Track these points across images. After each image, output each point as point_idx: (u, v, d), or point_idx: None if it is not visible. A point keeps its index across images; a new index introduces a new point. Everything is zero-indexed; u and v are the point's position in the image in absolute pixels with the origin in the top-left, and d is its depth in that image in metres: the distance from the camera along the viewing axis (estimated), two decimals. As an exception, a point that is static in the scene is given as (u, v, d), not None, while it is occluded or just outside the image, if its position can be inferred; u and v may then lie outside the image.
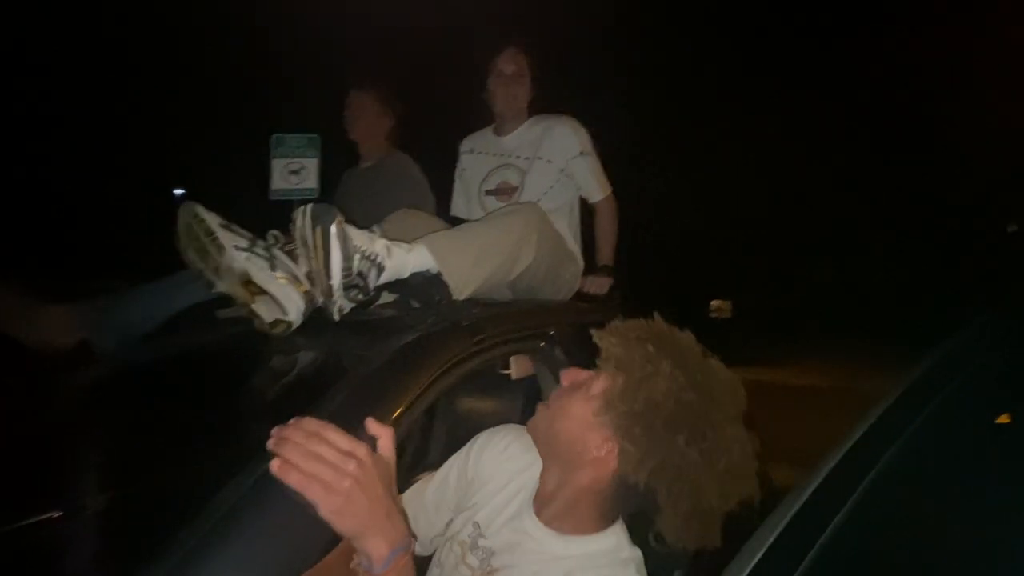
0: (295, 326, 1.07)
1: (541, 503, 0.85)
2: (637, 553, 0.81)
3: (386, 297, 1.20)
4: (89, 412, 1.14)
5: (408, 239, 1.17)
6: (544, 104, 2.02)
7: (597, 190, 2.01)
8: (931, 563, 0.64)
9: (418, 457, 1.60)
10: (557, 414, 0.84)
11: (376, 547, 0.62)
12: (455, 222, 1.63)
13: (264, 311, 1.07)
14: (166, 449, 0.93)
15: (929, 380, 0.77)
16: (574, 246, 1.96)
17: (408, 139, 2.43)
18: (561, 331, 1.27)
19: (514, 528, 0.85)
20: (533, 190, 1.96)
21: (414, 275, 1.15)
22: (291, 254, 1.12)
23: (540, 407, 0.88)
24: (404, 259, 1.12)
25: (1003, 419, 0.82)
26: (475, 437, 1.01)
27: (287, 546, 0.66)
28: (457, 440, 1.07)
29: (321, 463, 0.60)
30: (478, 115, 2.09)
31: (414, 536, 0.68)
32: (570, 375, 0.87)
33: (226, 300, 1.13)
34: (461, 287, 1.17)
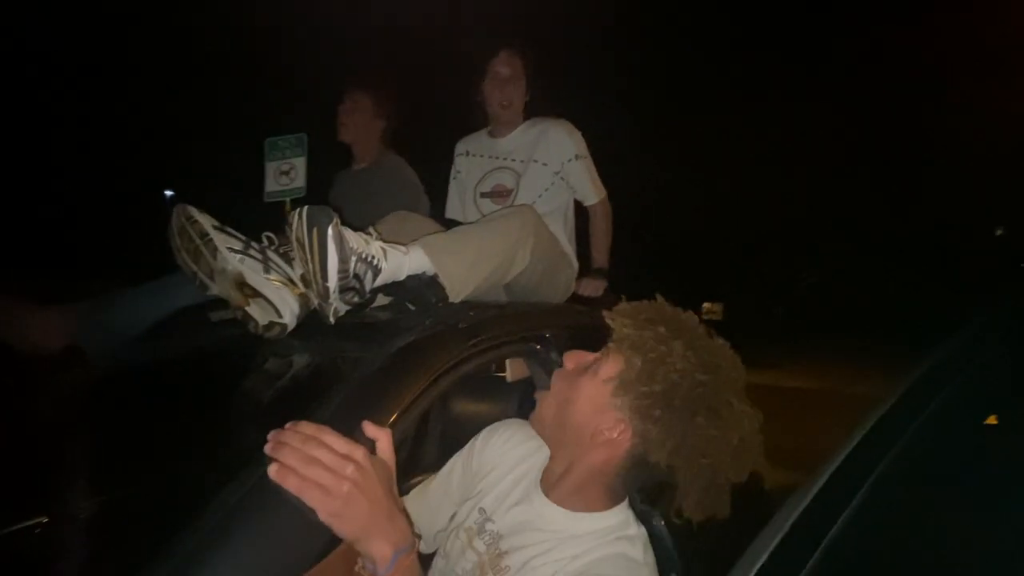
0: (290, 329, 1.07)
1: (550, 484, 0.86)
2: (643, 530, 0.82)
3: (381, 299, 1.20)
4: (80, 415, 1.13)
5: (403, 241, 1.17)
6: (539, 107, 2.03)
7: (592, 193, 2.02)
8: (936, 564, 0.65)
9: (415, 459, 1.59)
10: (566, 397, 0.84)
11: (379, 549, 0.61)
12: (450, 224, 1.63)
13: (258, 314, 1.06)
14: (159, 454, 0.92)
15: (931, 380, 0.77)
16: (569, 249, 1.96)
17: (402, 141, 2.43)
18: (557, 334, 1.27)
19: (522, 509, 0.86)
20: (528, 193, 1.96)
21: (410, 277, 1.14)
22: (285, 256, 1.11)
23: (543, 392, 0.89)
24: (400, 261, 1.11)
25: (991, 420, 0.83)
26: (478, 434, 1.02)
27: (286, 552, 0.66)
28: (454, 442, 1.07)
29: (319, 467, 0.60)
30: (473, 117, 2.08)
31: (418, 536, 0.68)
32: (574, 357, 0.87)
33: (220, 303, 1.12)
34: (458, 289, 1.16)
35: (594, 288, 1.94)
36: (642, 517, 0.87)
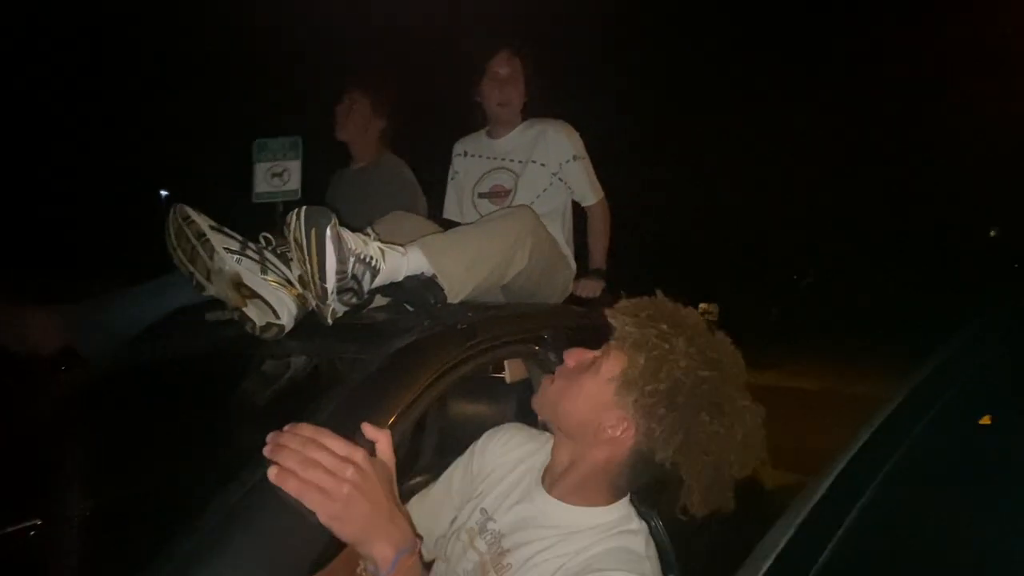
0: (287, 330, 1.06)
1: (552, 480, 0.85)
2: (645, 526, 0.82)
3: (379, 300, 1.19)
4: (75, 417, 1.12)
5: (400, 242, 1.16)
6: (538, 107, 2.02)
7: (590, 194, 2.02)
8: (943, 565, 0.65)
9: (414, 460, 1.58)
10: (567, 394, 0.83)
11: (380, 551, 0.61)
12: (447, 225, 1.63)
13: (256, 314, 1.05)
14: (155, 456, 0.92)
15: (935, 380, 0.77)
16: (567, 250, 1.96)
17: (401, 141, 2.42)
18: (555, 334, 1.27)
19: (523, 507, 0.85)
20: (526, 193, 1.96)
21: (408, 278, 1.14)
22: (283, 257, 1.10)
23: (545, 381, 0.88)
24: (399, 262, 1.11)
25: (984, 420, 0.83)
26: (477, 440, 1.01)
27: (286, 555, 0.65)
28: (453, 443, 1.07)
29: (319, 469, 0.59)
30: (472, 117, 2.08)
31: (420, 537, 0.68)
32: (575, 355, 0.87)
33: (217, 303, 1.11)
34: (456, 290, 1.16)
35: (592, 289, 1.94)
36: (639, 518, 0.87)
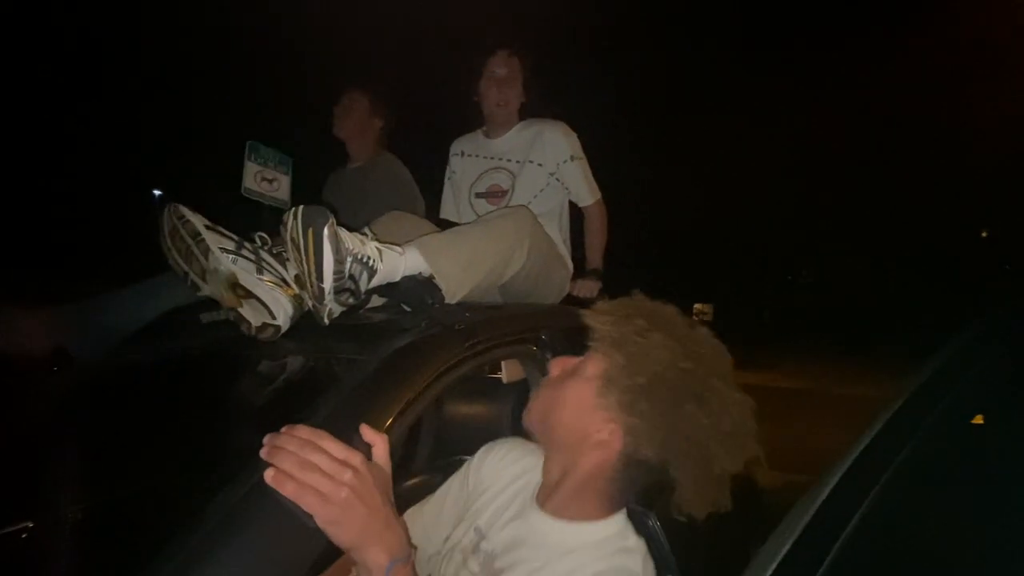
0: (283, 330, 1.05)
1: (545, 495, 0.83)
2: (642, 543, 0.79)
3: (376, 301, 1.18)
4: (66, 419, 1.10)
5: (398, 242, 1.15)
6: (536, 108, 2.02)
7: (587, 194, 2.02)
8: (943, 566, 0.64)
9: (410, 461, 1.57)
10: (553, 403, 0.82)
11: (375, 558, 0.60)
12: (444, 225, 1.62)
13: (251, 315, 1.04)
14: (149, 458, 0.91)
15: (936, 380, 0.77)
16: (564, 250, 1.96)
17: (397, 141, 2.42)
18: (552, 335, 1.27)
19: (517, 526, 0.83)
20: (523, 193, 1.95)
21: (406, 279, 1.13)
22: (279, 257, 1.09)
23: (532, 396, 0.88)
24: (396, 262, 1.10)
25: (977, 420, 0.83)
26: (473, 455, 0.99)
27: (282, 560, 0.64)
28: (450, 444, 1.06)
29: (316, 473, 0.58)
30: (469, 117, 2.08)
31: (414, 547, 0.67)
32: (559, 363, 0.86)
33: (212, 304, 1.10)
34: (454, 291, 1.15)
35: (589, 289, 1.94)
36: (637, 518, 0.86)
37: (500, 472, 0.93)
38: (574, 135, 1.99)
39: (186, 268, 1.05)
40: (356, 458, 0.61)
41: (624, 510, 0.82)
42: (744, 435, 0.76)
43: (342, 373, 0.91)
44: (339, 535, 0.59)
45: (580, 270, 2.00)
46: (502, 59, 1.94)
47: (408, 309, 1.15)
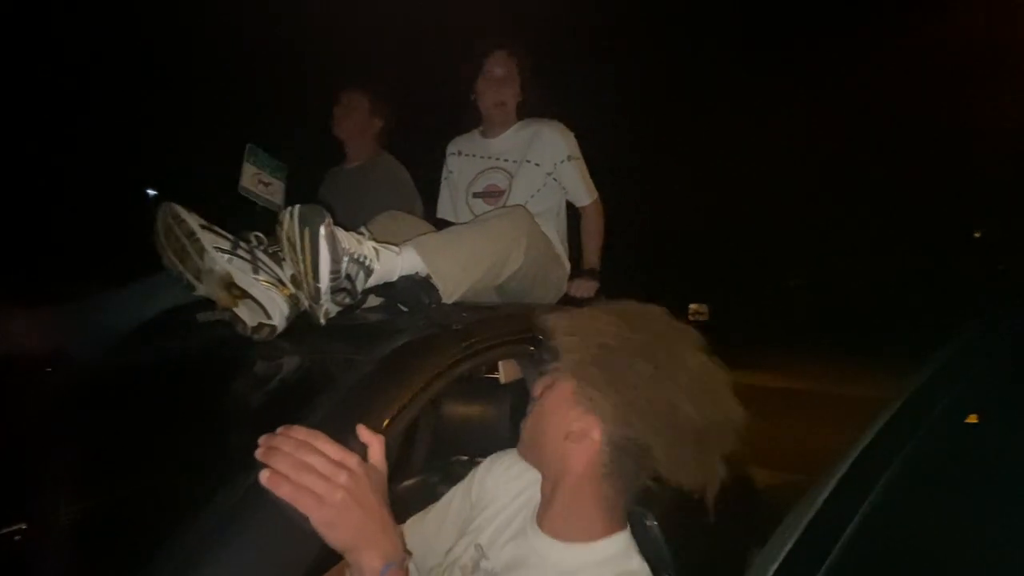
0: (279, 330, 1.04)
1: (544, 513, 0.82)
2: (646, 567, 0.77)
3: (373, 301, 1.18)
4: (61, 420, 1.10)
5: (395, 241, 1.15)
6: (534, 108, 2.02)
7: (584, 194, 2.02)
8: (945, 566, 0.64)
9: (407, 463, 1.57)
10: (536, 418, 0.84)
11: (369, 561, 0.60)
12: (441, 225, 1.62)
13: (247, 315, 1.03)
14: (144, 459, 0.90)
15: (936, 381, 0.77)
16: (561, 250, 1.96)
17: (395, 140, 2.41)
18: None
19: (517, 545, 0.82)
20: (520, 193, 1.95)
21: (402, 278, 1.13)
22: (274, 256, 1.09)
23: (521, 424, 0.88)
24: (393, 262, 1.10)
25: (971, 419, 0.83)
26: (478, 466, 0.99)
27: (277, 563, 0.64)
28: (447, 445, 1.05)
29: (312, 474, 0.58)
30: (467, 117, 2.07)
31: (409, 552, 0.66)
32: (540, 382, 0.88)
33: (207, 303, 1.10)
34: (451, 291, 1.15)
35: (586, 289, 1.94)
36: (635, 518, 0.85)
37: (505, 485, 0.92)
38: (571, 135, 1.99)
39: (181, 268, 1.05)
40: (352, 459, 0.61)
41: (627, 530, 0.80)
42: (709, 389, 0.77)
43: (338, 373, 0.91)
44: (334, 537, 0.59)
45: (577, 270, 2.00)
46: (500, 59, 1.94)
47: (405, 309, 1.15)
